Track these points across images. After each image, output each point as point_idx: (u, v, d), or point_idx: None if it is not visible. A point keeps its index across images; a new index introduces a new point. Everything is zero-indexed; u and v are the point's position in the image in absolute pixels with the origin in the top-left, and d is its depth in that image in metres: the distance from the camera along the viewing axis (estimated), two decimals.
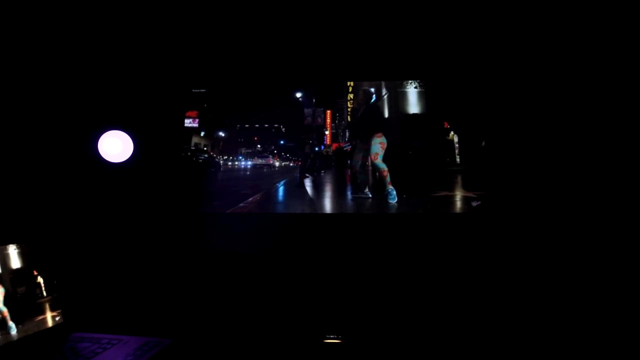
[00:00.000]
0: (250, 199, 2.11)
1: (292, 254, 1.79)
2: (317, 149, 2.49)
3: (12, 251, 1.28)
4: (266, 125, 2.47)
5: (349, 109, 2.59)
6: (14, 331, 1.20)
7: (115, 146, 1.74)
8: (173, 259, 1.82)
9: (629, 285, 1.50)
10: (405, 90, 2.23)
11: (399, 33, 1.81)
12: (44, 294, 1.33)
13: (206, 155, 2.24)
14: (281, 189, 2.41)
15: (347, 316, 1.58)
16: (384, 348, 1.33)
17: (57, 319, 1.36)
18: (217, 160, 2.31)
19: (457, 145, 2.11)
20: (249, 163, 2.68)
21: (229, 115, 2.29)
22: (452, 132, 2.13)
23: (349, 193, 2.19)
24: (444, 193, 1.98)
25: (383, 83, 2.31)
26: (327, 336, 1.40)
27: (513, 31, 1.75)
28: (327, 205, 2.17)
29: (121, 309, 1.64)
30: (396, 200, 2.04)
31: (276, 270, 1.75)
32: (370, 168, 2.19)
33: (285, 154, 2.71)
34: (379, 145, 2.17)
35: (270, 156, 2.72)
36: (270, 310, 1.65)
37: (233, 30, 1.84)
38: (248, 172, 2.71)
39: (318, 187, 2.37)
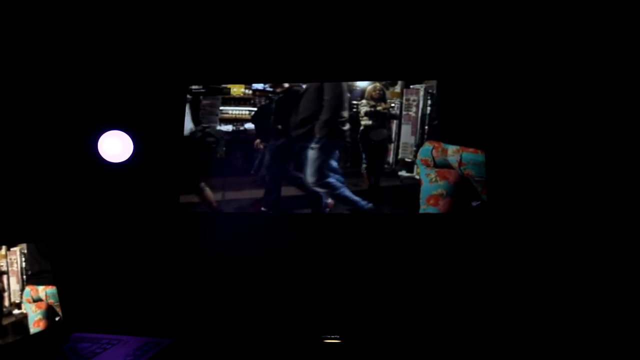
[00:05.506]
0: None
1: (292, 254, 1.79)
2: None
3: None
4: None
5: None
6: None
7: (115, 146, 1.74)
8: (173, 259, 1.82)
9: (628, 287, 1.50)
10: None
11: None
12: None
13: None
14: None
15: (346, 316, 1.59)
16: (383, 348, 1.33)
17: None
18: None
19: None
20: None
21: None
22: None
23: None
24: None
25: None
26: (327, 336, 1.41)
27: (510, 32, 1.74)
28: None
29: (121, 309, 1.65)
30: None
31: (276, 270, 1.75)
32: None
33: None
34: None
35: None
36: (269, 310, 1.66)
37: (233, 29, 1.84)
38: None
39: None
